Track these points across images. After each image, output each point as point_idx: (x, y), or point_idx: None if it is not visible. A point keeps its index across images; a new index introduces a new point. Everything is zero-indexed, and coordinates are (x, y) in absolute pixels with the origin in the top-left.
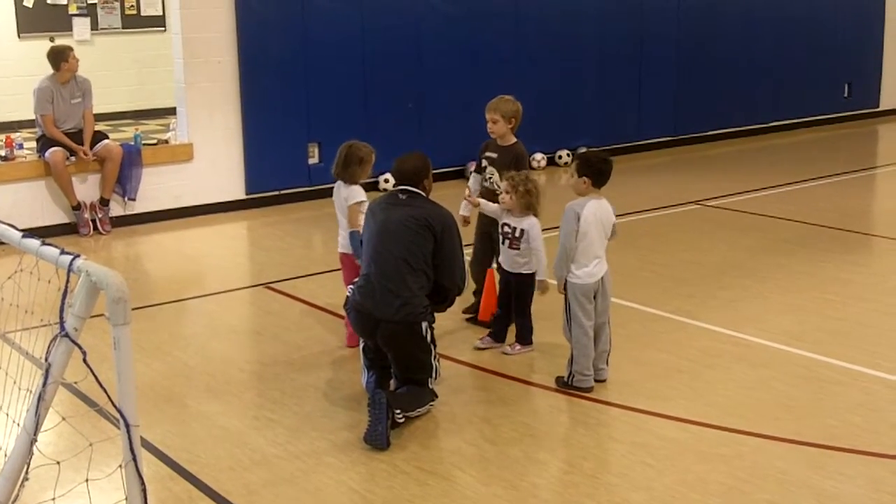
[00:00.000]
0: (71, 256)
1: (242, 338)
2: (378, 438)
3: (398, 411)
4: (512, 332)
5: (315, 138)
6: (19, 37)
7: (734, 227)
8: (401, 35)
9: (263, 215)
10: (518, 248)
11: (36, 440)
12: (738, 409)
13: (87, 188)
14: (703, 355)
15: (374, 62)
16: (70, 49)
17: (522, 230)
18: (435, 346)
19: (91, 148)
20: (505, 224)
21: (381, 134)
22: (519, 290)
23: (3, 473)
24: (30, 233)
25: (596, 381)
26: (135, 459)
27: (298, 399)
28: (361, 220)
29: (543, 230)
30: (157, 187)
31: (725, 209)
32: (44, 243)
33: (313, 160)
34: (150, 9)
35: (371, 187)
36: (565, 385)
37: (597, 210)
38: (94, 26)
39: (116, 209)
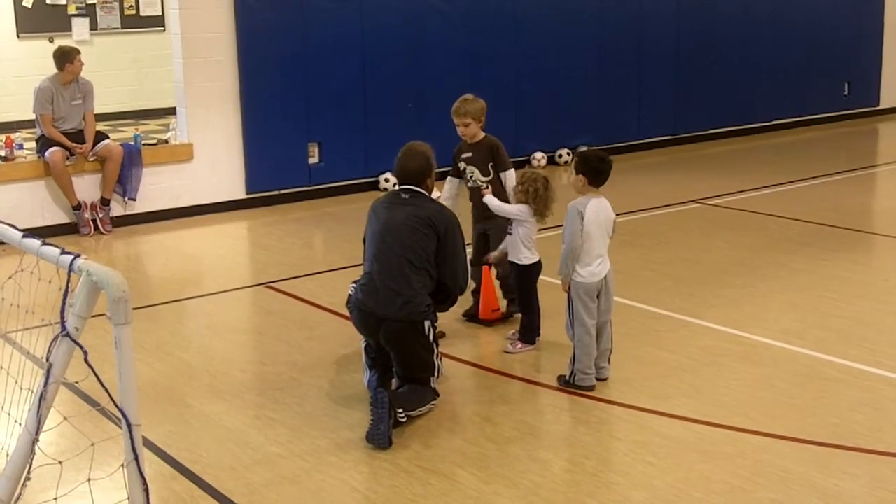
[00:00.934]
0: (71, 256)
1: (243, 337)
2: (380, 437)
3: (400, 410)
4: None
5: (315, 138)
6: (18, 37)
7: (735, 226)
8: (400, 35)
9: (264, 215)
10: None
11: (38, 440)
12: (740, 408)
13: (87, 188)
14: (704, 354)
15: (373, 62)
16: (77, 52)
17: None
18: (437, 345)
19: (91, 148)
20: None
21: (380, 134)
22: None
23: (6, 473)
24: (30, 233)
25: (598, 379)
26: (136, 459)
27: (300, 398)
28: None
29: (544, 229)
30: (158, 187)
31: (726, 208)
32: (44, 243)
33: (313, 160)
34: (149, 9)
35: (372, 187)
36: (567, 384)
37: (597, 209)
38: (94, 26)
39: (117, 209)
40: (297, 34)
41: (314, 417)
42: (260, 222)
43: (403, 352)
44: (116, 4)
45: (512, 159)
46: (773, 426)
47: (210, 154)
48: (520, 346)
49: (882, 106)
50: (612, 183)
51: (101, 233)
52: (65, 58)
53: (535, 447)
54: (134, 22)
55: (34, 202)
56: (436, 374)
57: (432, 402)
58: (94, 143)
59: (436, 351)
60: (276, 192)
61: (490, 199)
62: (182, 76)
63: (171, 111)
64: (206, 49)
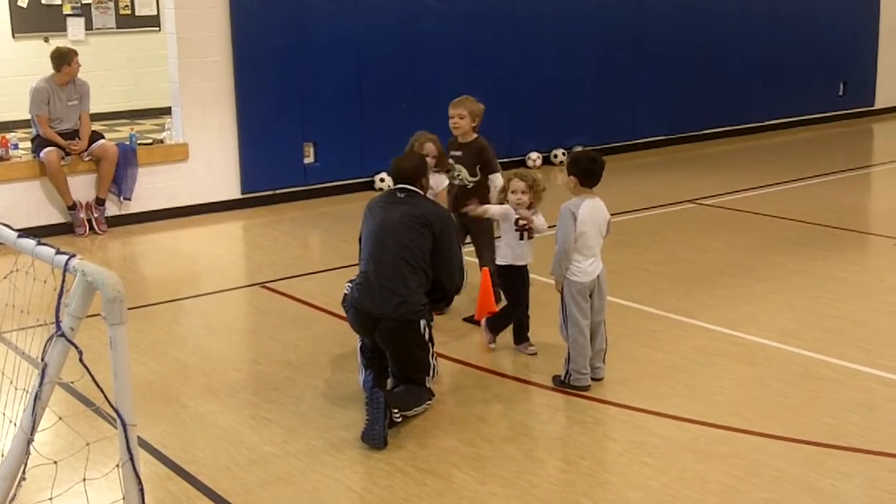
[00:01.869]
0: (67, 256)
1: (239, 337)
2: (375, 437)
3: (395, 410)
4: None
5: (310, 138)
6: (14, 37)
7: (730, 226)
8: (395, 34)
9: (259, 215)
10: (532, 238)
11: (33, 440)
12: (735, 408)
13: (82, 188)
14: (699, 354)
15: (368, 61)
16: (74, 53)
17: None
18: (433, 345)
19: (87, 147)
20: (520, 219)
21: (375, 133)
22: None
23: (1, 473)
24: (25, 233)
25: (593, 379)
26: (132, 459)
27: (295, 398)
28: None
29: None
30: (153, 187)
31: (721, 208)
32: (39, 243)
33: (308, 159)
34: (144, 9)
35: (367, 187)
36: (562, 384)
37: (591, 209)
38: (89, 26)
39: (112, 209)
40: (293, 34)
41: (309, 417)
42: (255, 222)
43: (399, 351)
44: (112, 4)
45: (508, 159)
46: (768, 426)
47: (205, 154)
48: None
49: (877, 106)
50: (607, 183)
51: (97, 233)
52: (62, 59)
53: (531, 447)
54: (129, 22)
55: (29, 202)
56: (431, 373)
57: (428, 402)
58: (90, 143)
59: (431, 351)
60: (271, 192)
61: (475, 209)
62: (177, 76)
63: (166, 111)
64: (202, 49)
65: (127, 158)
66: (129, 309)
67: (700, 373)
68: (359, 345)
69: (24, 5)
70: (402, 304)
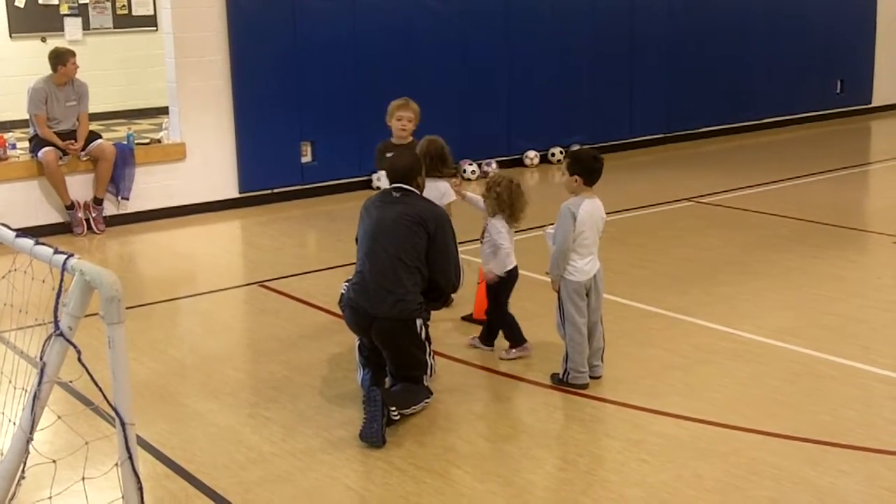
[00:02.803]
0: (65, 256)
1: (237, 336)
2: (374, 436)
3: (393, 408)
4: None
5: (307, 137)
6: (11, 37)
7: (728, 224)
8: (393, 34)
9: (256, 214)
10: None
11: (32, 439)
12: (733, 406)
13: (80, 188)
14: (697, 352)
15: (365, 60)
16: (71, 54)
17: (485, 228)
18: (430, 344)
19: (84, 147)
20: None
21: (372, 132)
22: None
23: (0, 472)
24: (23, 232)
25: (591, 377)
26: (131, 458)
27: (293, 397)
28: None
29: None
30: (151, 186)
31: (719, 206)
32: (37, 243)
33: (306, 159)
34: (141, 8)
35: (365, 186)
36: (560, 382)
37: (591, 209)
38: (86, 26)
39: (110, 208)
40: (290, 33)
41: (308, 416)
42: (253, 221)
43: (396, 350)
44: (109, 4)
45: (505, 157)
46: (767, 424)
47: (203, 153)
48: (513, 351)
49: (875, 104)
50: (604, 181)
51: (95, 232)
52: (58, 59)
53: (529, 445)
54: (126, 21)
55: (27, 202)
56: (428, 372)
57: (425, 401)
58: (87, 143)
59: (428, 349)
60: (268, 192)
61: (470, 195)
62: (174, 76)
63: (163, 111)
64: (199, 48)
65: (124, 158)
66: (128, 308)
67: (698, 371)
68: (357, 343)
69: (21, 5)
70: (397, 303)
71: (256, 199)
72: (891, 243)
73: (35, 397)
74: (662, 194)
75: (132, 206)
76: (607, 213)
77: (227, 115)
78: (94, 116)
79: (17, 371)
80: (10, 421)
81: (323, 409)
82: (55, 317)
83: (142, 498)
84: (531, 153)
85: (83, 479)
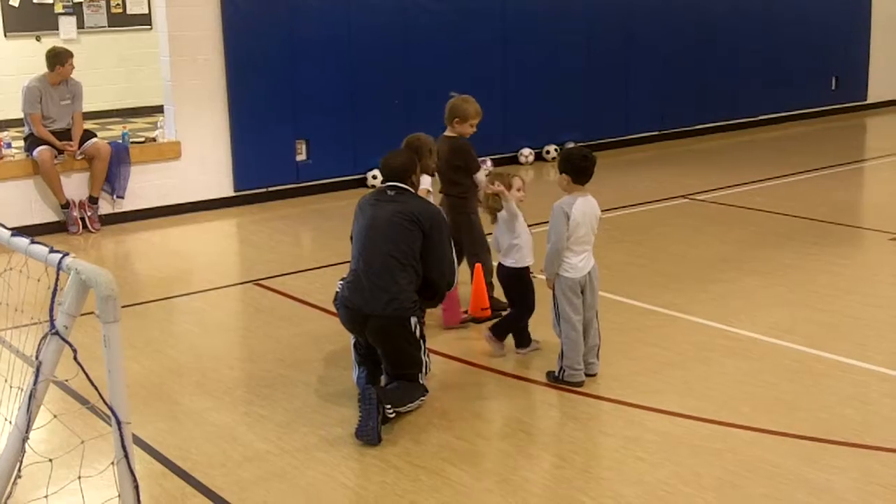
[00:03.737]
0: (60, 254)
1: (232, 334)
2: (369, 434)
3: (389, 406)
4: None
5: (302, 135)
6: (5, 36)
7: (723, 221)
8: (388, 32)
9: (252, 212)
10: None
11: (28, 438)
12: (729, 403)
13: (75, 186)
14: (693, 349)
15: (361, 59)
16: (69, 55)
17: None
18: (424, 342)
19: (79, 147)
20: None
21: (367, 131)
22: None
23: None
24: (19, 231)
25: (587, 375)
26: (127, 456)
27: (289, 395)
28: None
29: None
30: (146, 185)
31: (714, 203)
32: (33, 242)
33: (301, 157)
34: (136, 7)
35: (360, 184)
36: (556, 380)
37: (584, 207)
38: (81, 25)
39: (105, 207)
40: (284, 31)
41: (303, 414)
42: (248, 220)
43: (390, 348)
44: (103, 3)
45: (500, 155)
46: (763, 421)
47: (198, 152)
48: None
49: (870, 100)
50: (599, 179)
51: (90, 231)
52: (56, 59)
53: (525, 443)
54: (121, 20)
55: (22, 201)
56: (424, 370)
57: (421, 398)
58: (82, 142)
59: (423, 347)
60: (264, 190)
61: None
62: (169, 74)
63: (158, 109)
64: (194, 47)
65: (120, 157)
66: (123, 307)
67: (694, 368)
68: (352, 341)
69: (16, 4)
70: (391, 302)
71: (251, 198)
72: (886, 240)
73: (31, 396)
74: (657, 191)
75: (127, 204)
76: (602, 211)
77: (222, 113)
78: (89, 115)
79: (13, 370)
80: (6, 420)
81: (319, 407)
82: (51, 315)
83: (138, 496)
84: (526, 150)
85: (79, 477)
